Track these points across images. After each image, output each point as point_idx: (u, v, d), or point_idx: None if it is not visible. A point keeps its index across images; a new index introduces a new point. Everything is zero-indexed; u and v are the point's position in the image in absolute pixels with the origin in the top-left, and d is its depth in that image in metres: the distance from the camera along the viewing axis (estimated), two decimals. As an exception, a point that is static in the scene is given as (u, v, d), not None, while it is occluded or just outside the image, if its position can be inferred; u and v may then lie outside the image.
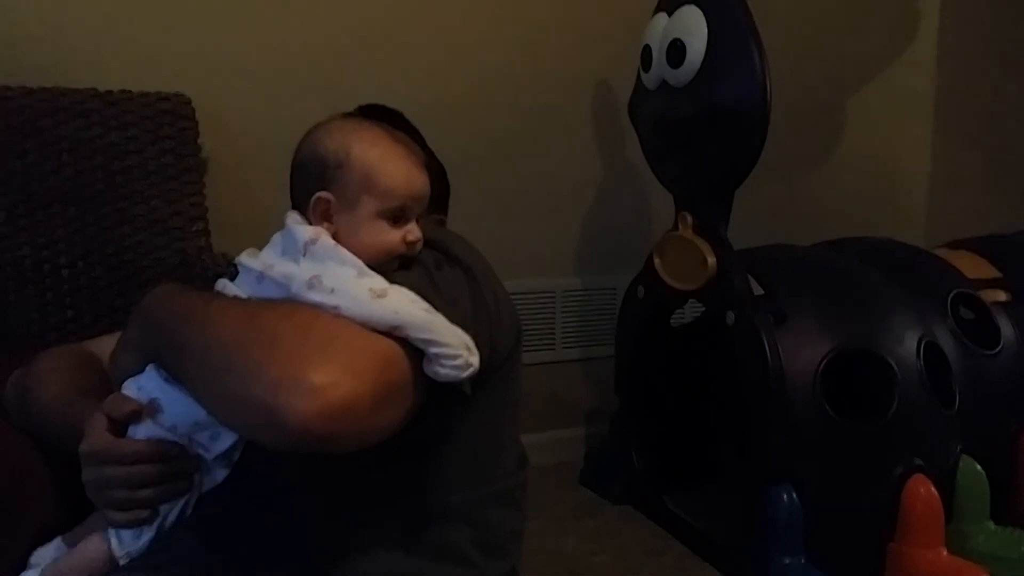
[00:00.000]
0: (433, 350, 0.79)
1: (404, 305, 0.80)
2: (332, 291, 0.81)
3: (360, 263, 0.84)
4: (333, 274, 0.83)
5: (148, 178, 1.75)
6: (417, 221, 0.94)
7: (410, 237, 0.92)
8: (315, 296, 0.81)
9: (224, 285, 0.92)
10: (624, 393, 2.14)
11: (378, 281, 0.82)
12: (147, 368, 0.88)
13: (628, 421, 2.13)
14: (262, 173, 1.74)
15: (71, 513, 0.96)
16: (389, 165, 0.92)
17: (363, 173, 0.90)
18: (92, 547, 0.87)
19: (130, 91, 1.75)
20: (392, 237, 0.91)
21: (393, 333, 0.79)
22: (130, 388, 0.88)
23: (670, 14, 1.75)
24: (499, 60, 2.24)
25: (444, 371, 0.79)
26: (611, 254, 2.42)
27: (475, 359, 0.80)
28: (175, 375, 0.84)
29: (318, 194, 0.90)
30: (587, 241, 2.42)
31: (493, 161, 2.25)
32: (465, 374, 0.80)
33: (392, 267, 0.90)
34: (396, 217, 0.91)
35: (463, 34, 2.20)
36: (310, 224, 0.91)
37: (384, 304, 0.79)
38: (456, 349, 0.79)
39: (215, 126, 1.87)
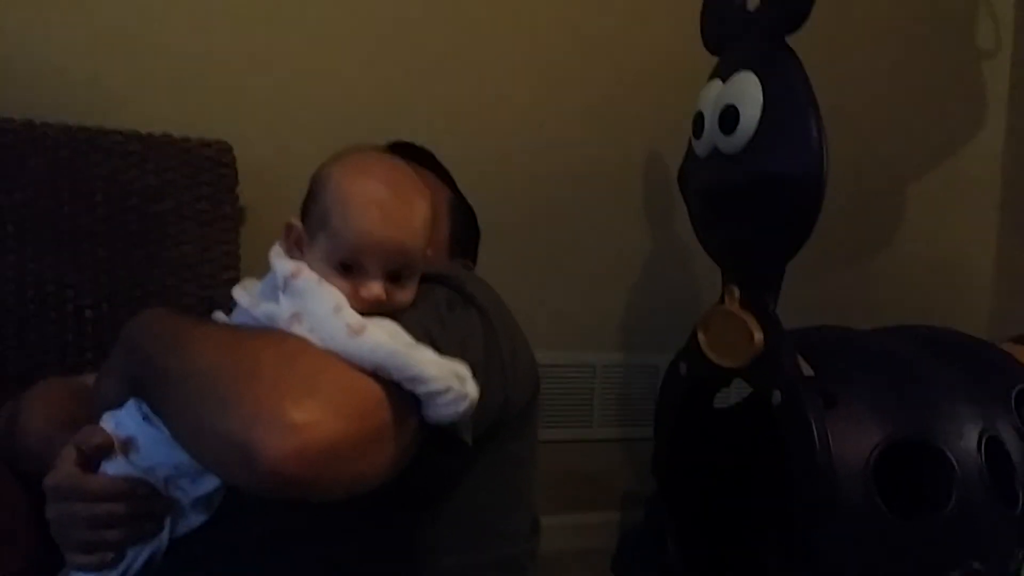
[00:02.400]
0: (421, 389, 0.70)
1: (382, 341, 0.72)
2: (311, 330, 0.74)
3: (341, 298, 0.77)
4: (311, 311, 0.75)
5: (182, 223, 1.72)
6: (398, 279, 0.83)
7: (364, 293, 0.80)
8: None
9: (219, 318, 0.86)
10: (661, 476, 2.02)
11: (355, 317, 0.74)
12: (127, 404, 0.82)
13: (664, 507, 2.01)
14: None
15: (56, 549, 0.89)
16: (352, 207, 0.81)
17: (324, 209, 0.82)
18: None
19: (171, 135, 1.74)
20: (336, 286, 0.80)
21: (378, 373, 0.71)
22: (107, 422, 0.82)
23: (724, 80, 1.69)
24: (550, 125, 2.20)
25: (440, 411, 0.70)
26: (655, 330, 2.32)
27: (470, 387, 0.71)
28: (153, 404, 0.78)
29: (289, 220, 0.84)
30: (630, 315, 2.34)
31: (538, 227, 2.20)
32: (463, 407, 0.71)
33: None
34: (344, 266, 0.81)
35: (515, 95, 2.17)
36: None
37: (362, 342, 0.71)
38: (444, 382, 0.70)
39: (255, 176, 1.84)
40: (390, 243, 0.81)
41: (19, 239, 1.58)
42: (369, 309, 0.80)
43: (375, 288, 0.81)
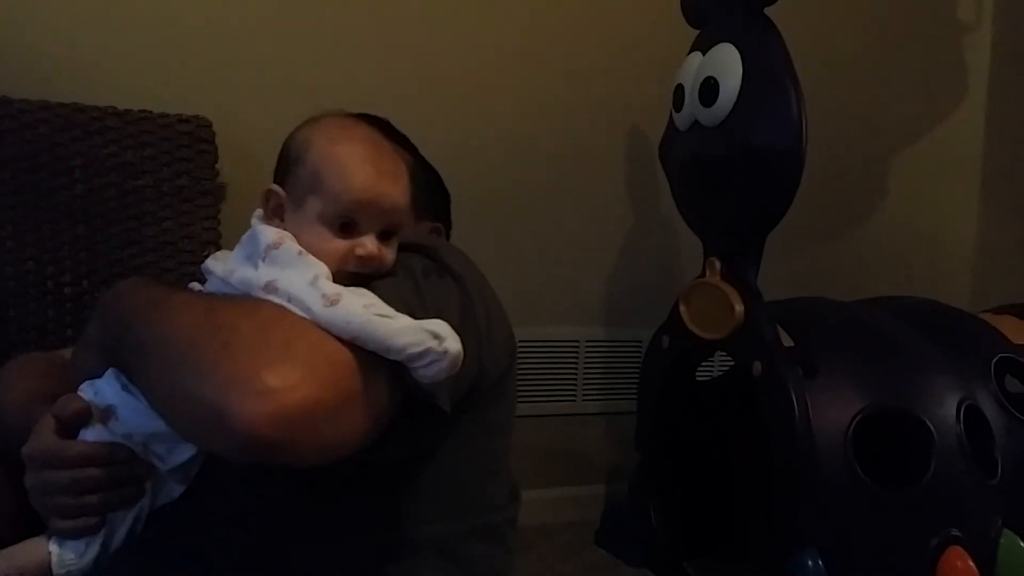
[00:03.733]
0: (399, 357, 0.71)
1: (356, 312, 0.72)
2: (288, 299, 0.74)
3: (321, 269, 0.77)
4: (289, 281, 0.75)
5: (162, 199, 1.72)
6: (388, 237, 0.85)
7: (359, 251, 0.82)
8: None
9: (194, 288, 0.86)
10: (645, 449, 2.03)
11: (331, 287, 0.75)
12: (106, 373, 0.82)
13: (648, 479, 2.02)
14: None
15: (30, 521, 0.89)
16: (344, 166, 0.83)
17: (313, 171, 0.83)
18: (27, 551, 0.79)
19: (150, 111, 1.73)
20: (333, 247, 0.82)
21: (355, 343, 0.72)
22: (86, 391, 0.82)
23: (704, 53, 1.69)
24: (532, 100, 2.19)
25: (424, 372, 0.72)
26: (639, 305, 2.33)
27: (450, 344, 0.73)
28: (130, 373, 0.78)
29: (269, 187, 0.84)
30: (614, 290, 2.34)
31: (520, 205, 2.20)
32: (446, 364, 0.72)
33: (344, 282, 0.80)
34: (342, 225, 0.82)
35: (493, 74, 2.16)
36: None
37: (336, 312, 0.72)
38: (419, 345, 0.71)
39: (235, 152, 1.83)
40: (386, 199, 0.83)
41: (-3, 217, 1.58)
42: (364, 267, 0.82)
43: (370, 244, 0.82)
